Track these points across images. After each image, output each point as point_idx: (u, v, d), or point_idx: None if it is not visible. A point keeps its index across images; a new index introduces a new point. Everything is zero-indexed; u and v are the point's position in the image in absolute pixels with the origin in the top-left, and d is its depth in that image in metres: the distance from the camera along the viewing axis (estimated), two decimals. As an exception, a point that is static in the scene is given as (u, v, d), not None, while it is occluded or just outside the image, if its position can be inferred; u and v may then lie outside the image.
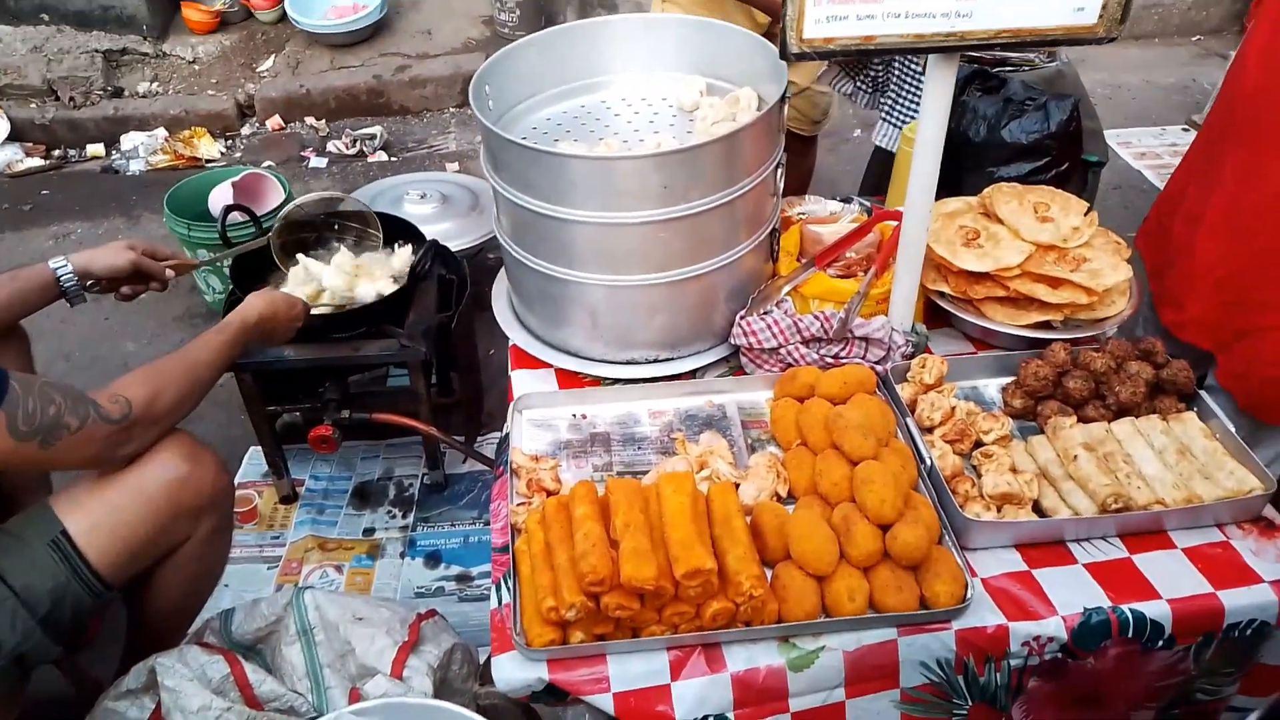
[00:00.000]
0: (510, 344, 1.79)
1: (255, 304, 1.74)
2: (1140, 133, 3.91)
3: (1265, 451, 2.08)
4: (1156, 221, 2.15)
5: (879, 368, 1.65)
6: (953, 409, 1.57)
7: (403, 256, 2.12)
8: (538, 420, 1.63)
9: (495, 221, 1.73)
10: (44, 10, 4.30)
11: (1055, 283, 1.65)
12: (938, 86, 1.40)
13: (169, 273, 1.84)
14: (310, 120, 4.23)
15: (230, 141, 4.16)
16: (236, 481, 2.36)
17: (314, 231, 2.18)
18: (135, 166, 3.97)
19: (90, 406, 1.37)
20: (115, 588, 1.46)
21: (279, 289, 1.97)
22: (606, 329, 1.67)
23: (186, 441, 1.51)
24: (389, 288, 2.07)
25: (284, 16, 4.41)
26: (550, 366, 1.73)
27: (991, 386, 1.69)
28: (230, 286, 2.11)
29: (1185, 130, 3.88)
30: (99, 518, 1.43)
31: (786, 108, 1.62)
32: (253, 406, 2.10)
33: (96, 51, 4.24)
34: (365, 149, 4.03)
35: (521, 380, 1.72)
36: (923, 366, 1.62)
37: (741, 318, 1.68)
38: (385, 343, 2.03)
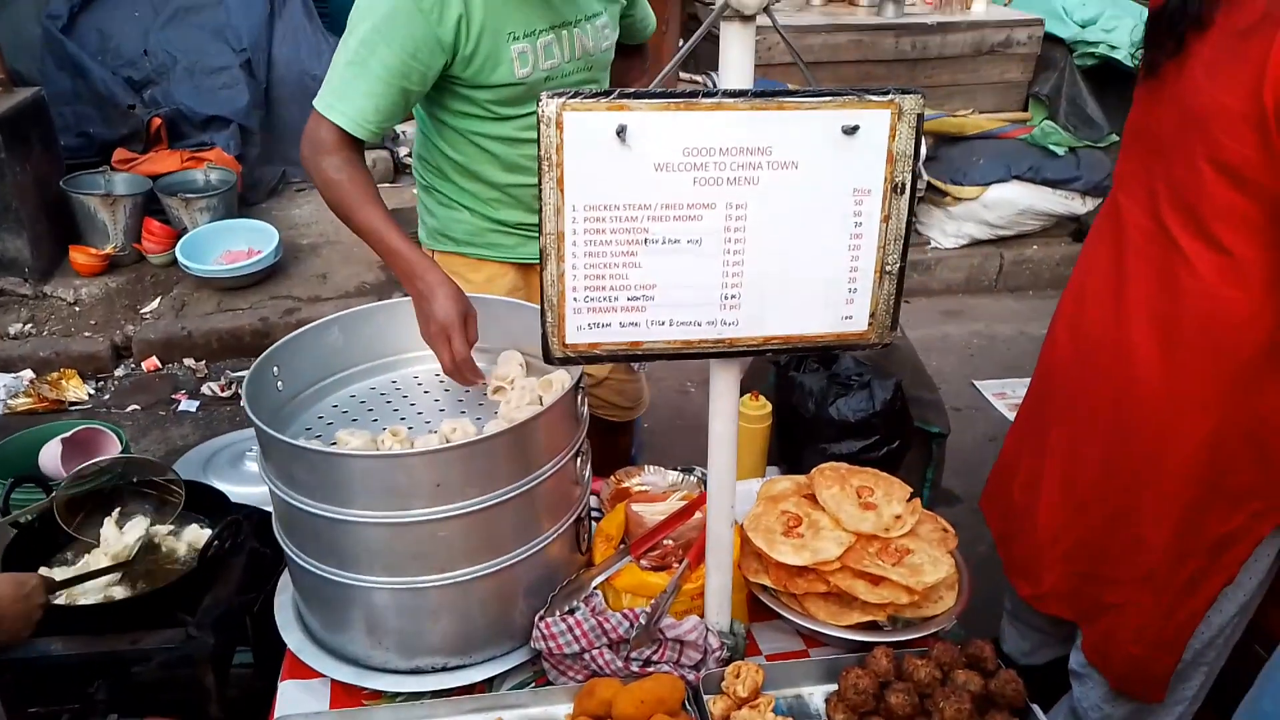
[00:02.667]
0: (287, 648, 1.59)
1: None
2: (1014, 384, 4.00)
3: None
4: (997, 487, 2.11)
5: (691, 676, 1.49)
6: (767, 730, 1.40)
7: (193, 534, 1.95)
8: (294, 751, 1.41)
9: (274, 513, 1.59)
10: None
11: (875, 579, 1.54)
12: (721, 385, 1.35)
13: None
14: (189, 361, 4.13)
15: (101, 383, 4.02)
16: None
17: (111, 497, 2.00)
18: (-9, 410, 3.79)
19: None
20: None
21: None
22: (389, 634, 1.49)
23: None
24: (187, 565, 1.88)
25: (176, 260, 4.42)
26: (325, 677, 1.53)
27: (818, 695, 1.53)
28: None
29: (1056, 381, 3.99)
30: None
31: (585, 398, 1.55)
32: (8, 710, 1.83)
33: (-31, 294, 4.18)
34: (240, 391, 3.91)
35: (289, 696, 1.51)
36: (736, 676, 1.46)
37: (540, 618, 1.52)
38: (170, 633, 1.81)
